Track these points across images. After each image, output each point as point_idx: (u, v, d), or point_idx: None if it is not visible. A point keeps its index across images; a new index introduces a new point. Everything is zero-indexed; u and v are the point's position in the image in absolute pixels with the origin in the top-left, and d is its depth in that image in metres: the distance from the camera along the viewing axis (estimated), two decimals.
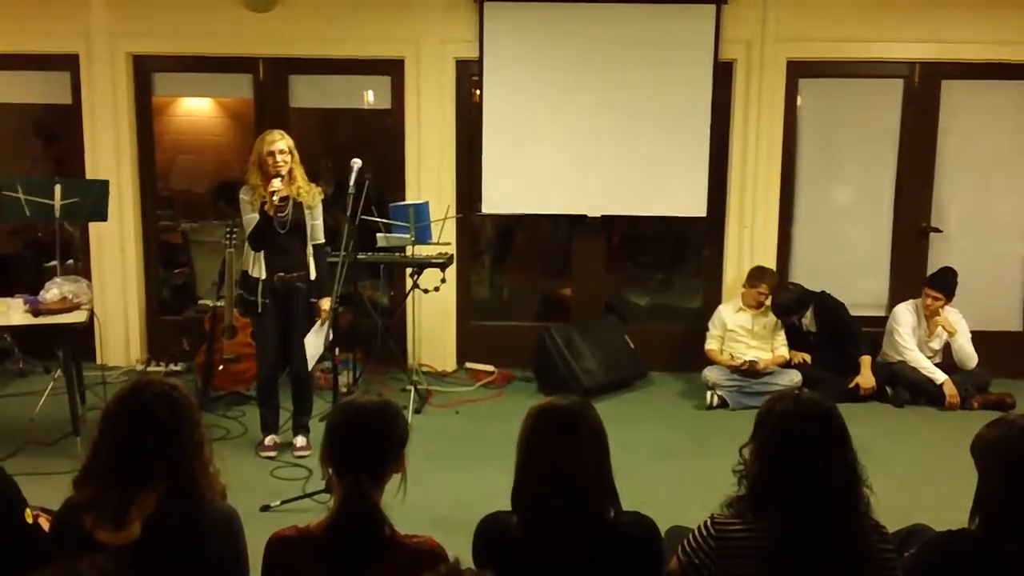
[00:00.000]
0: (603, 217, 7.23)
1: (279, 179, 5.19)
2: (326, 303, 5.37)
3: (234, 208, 5.62)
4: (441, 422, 6.20)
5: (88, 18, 6.97)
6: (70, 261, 6.97)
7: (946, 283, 6.67)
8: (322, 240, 5.48)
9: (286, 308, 5.42)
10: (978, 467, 2.55)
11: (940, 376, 6.59)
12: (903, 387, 6.65)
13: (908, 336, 6.73)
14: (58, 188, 5.94)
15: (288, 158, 5.26)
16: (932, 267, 7.13)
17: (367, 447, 2.47)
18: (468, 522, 2.68)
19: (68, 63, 7.08)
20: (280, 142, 5.25)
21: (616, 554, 2.49)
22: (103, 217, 6.25)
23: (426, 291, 6.52)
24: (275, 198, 5.16)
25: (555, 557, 2.45)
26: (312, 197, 5.38)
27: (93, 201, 6.12)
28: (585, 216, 7.22)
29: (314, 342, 5.35)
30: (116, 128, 7.09)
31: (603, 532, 2.50)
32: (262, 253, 5.34)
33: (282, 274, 5.36)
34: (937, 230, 7.26)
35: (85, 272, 7.03)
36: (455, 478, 5.15)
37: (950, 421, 6.28)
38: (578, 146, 7.08)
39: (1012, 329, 7.40)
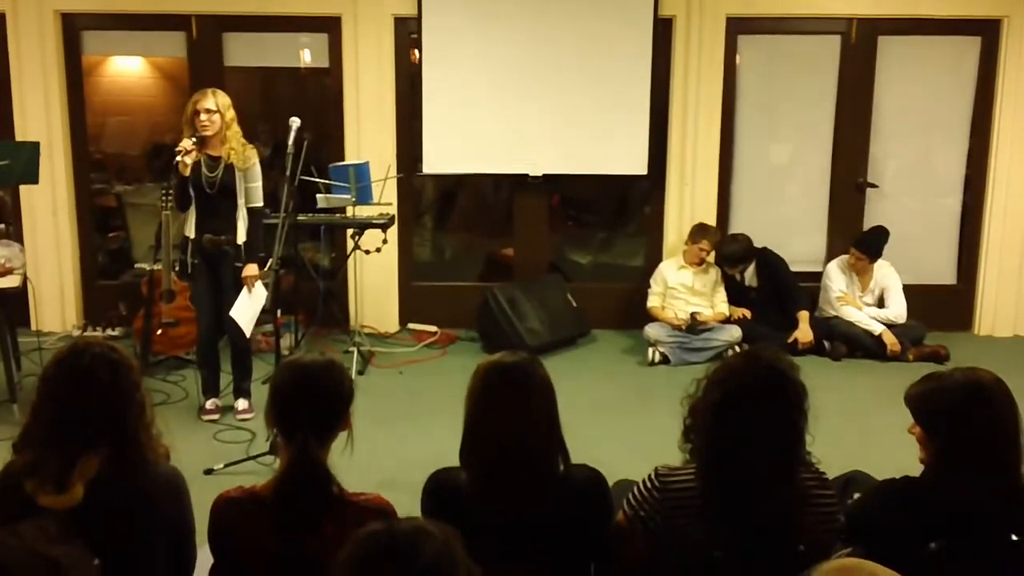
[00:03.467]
0: (545, 176, 7.21)
1: (190, 140, 5.07)
2: (251, 269, 5.26)
3: (170, 170, 5.51)
4: (385, 383, 6.19)
5: None
6: (2, 226, 6.80)
7: (870, 244, 6.81)
8: (259, 204, 5.35)
9: (216, 271, 5.36)
10: (920, 422, 2.59)
11: (877, 327, 6.71)
12: (840, 341, 6.77)
13: (841, 292, 6.85)
14: None
15: (216, 117, 5.13)
16: (869, 222, 7.25)
17: (313, 406, 2.44)
18: (415, 481, 2.68)
19: None
20: (207, 101, 5.12)
21: (566, 507, 2.51)
22: (35, 180, 6.05)
23: (367, 252, 6.46)
24: (183, 157, 5.02)
25: (506, 511, 2.46)
26: (244, 160, 5.23)
27: (24, 164, 5.90)
28: (527, 176, 7.19)
29: (244, 310, 5.23)
30: (46, 88, 6.88)
31: (553, 485, 2.52)
32: (193, 214, 5.26)
33: (210, 236, 5.29)
34: (873, 185, 7.36)
35: (17, 237, 6.85)
36: (401, 438, 5.15)
37: (887, 373, 6.39)
38: (519, 104, 7.04)
39: (946, 283, 7.55)
